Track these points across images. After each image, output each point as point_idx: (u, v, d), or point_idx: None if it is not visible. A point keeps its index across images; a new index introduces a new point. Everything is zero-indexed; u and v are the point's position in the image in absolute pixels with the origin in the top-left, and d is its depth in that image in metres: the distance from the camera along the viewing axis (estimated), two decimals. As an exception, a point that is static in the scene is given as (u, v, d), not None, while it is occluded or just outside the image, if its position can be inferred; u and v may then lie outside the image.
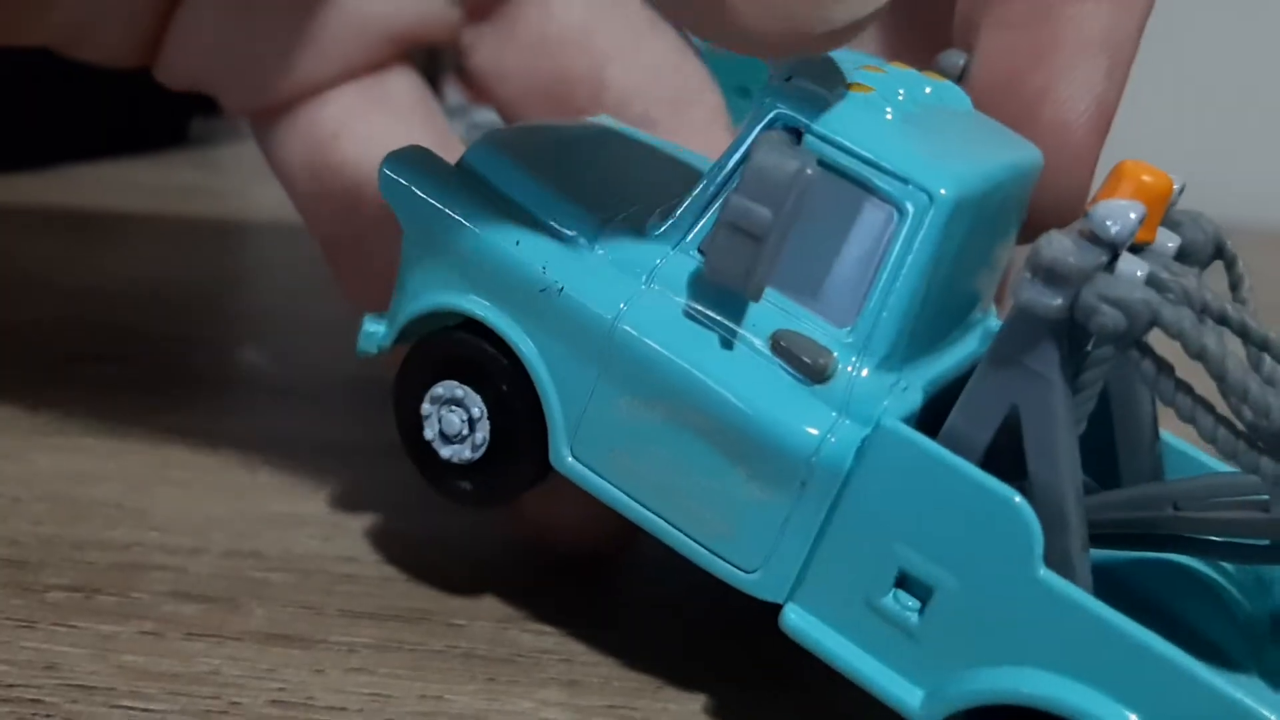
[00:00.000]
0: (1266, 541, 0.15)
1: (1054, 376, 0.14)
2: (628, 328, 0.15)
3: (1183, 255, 0.16)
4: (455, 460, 0.17)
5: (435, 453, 0.17)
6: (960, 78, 0.17)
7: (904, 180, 0.14)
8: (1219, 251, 0.16)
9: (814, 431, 0.14)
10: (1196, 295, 0.14)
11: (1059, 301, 0.13)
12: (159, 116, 0.45)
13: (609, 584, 0.19)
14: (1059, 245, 0.13)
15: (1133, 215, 0.14)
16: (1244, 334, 0.14)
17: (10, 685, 0.16)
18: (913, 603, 0.14)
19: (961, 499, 0.14)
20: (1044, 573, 0.14)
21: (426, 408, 0.17)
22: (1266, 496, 0.15)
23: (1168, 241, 0.15)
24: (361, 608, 0.18)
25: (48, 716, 0.15)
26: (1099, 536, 0.15)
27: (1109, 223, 0.14)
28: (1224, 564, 0.17)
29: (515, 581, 0.19)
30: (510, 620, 0.18)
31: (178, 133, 0.45)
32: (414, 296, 0.17)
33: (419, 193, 0.17)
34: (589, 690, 0.16)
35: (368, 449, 0.23)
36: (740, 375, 0.15)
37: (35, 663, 0.16)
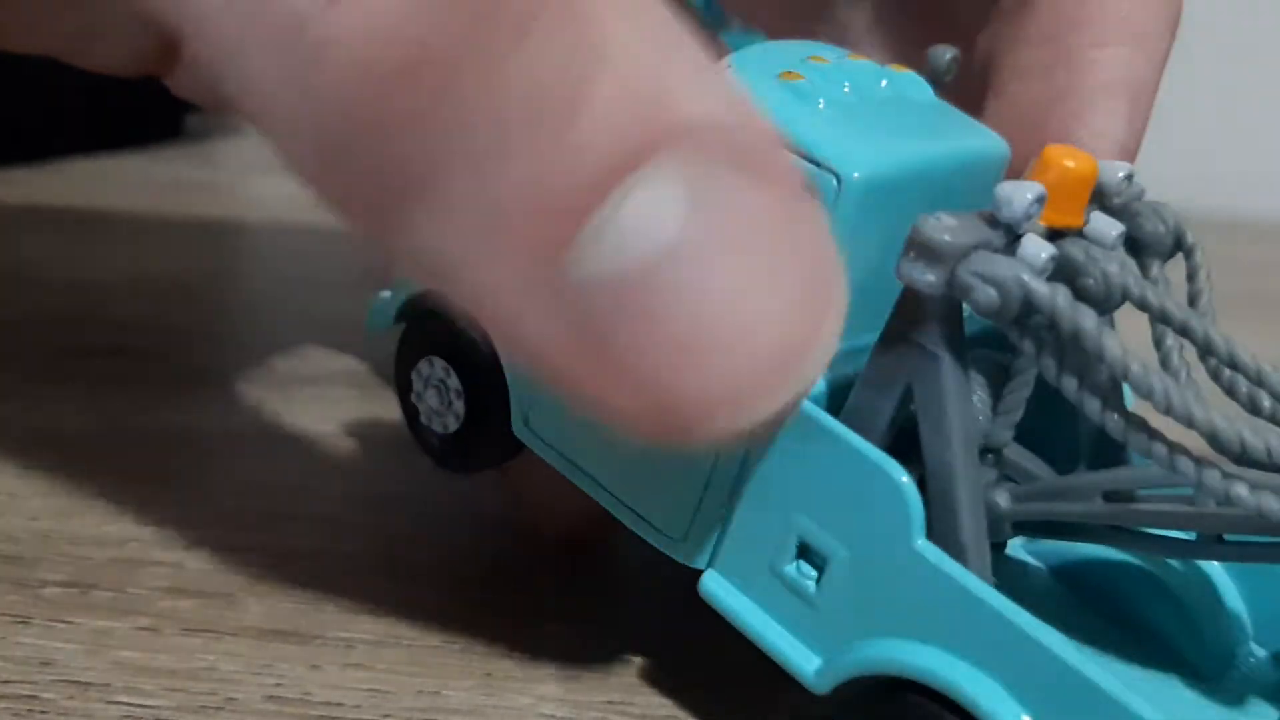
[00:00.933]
0: (1193, 535, 0.15)
1: (942, 353, 0.14)
2: None
3: (1141, 246, 0.16)
4: (439, 430, 0.18)
5: (425, 424, 0.18)
6: (946, 72, 0.17)
7: (814, 162, 0.15)
8: (1179, 242, 0.16)
9: None
10: (1117, 279, 0.14)
11: (933, 278, 0.14)
12: (154, 112, 0.45)
13: (606, 580, 0.19)
14: (935, 224, 0.14)
15: (1029, 196, 0.14)
16: (1163, 318, 0.15)
17: (6, 681, 0.16)
18: (811, 571, 0.15)
19: (850, 471, 0.14)
20: (922, 544, 0.14)
21: (415, 382, 0.18)
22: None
23: (1110, 230, 0.15)
24: (358, 603, 0.18)
25: (43, 713, 0.15)
26: (1032, 525, 0.16)
27: (1004, 203, 0.14)
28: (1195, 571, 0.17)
29: (513, 578, 0.19)
30: (508, 616, 0.18)
31: (172, 128, 0.45)
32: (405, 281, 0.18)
33: None
34: (586, 686, 0.16)
35: (365, 444, 0.23)
36: None
37: (31, 659, 0.16)
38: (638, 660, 0.17)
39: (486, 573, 0.19)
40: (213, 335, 0.28)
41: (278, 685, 0.16)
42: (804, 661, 0.15)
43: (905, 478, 0.14)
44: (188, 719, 0.15)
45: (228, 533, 0.19)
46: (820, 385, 0.15)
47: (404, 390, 0.18)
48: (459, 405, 0.17)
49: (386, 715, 0.16)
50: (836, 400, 0.15)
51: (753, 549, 0.15)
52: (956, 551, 0.14)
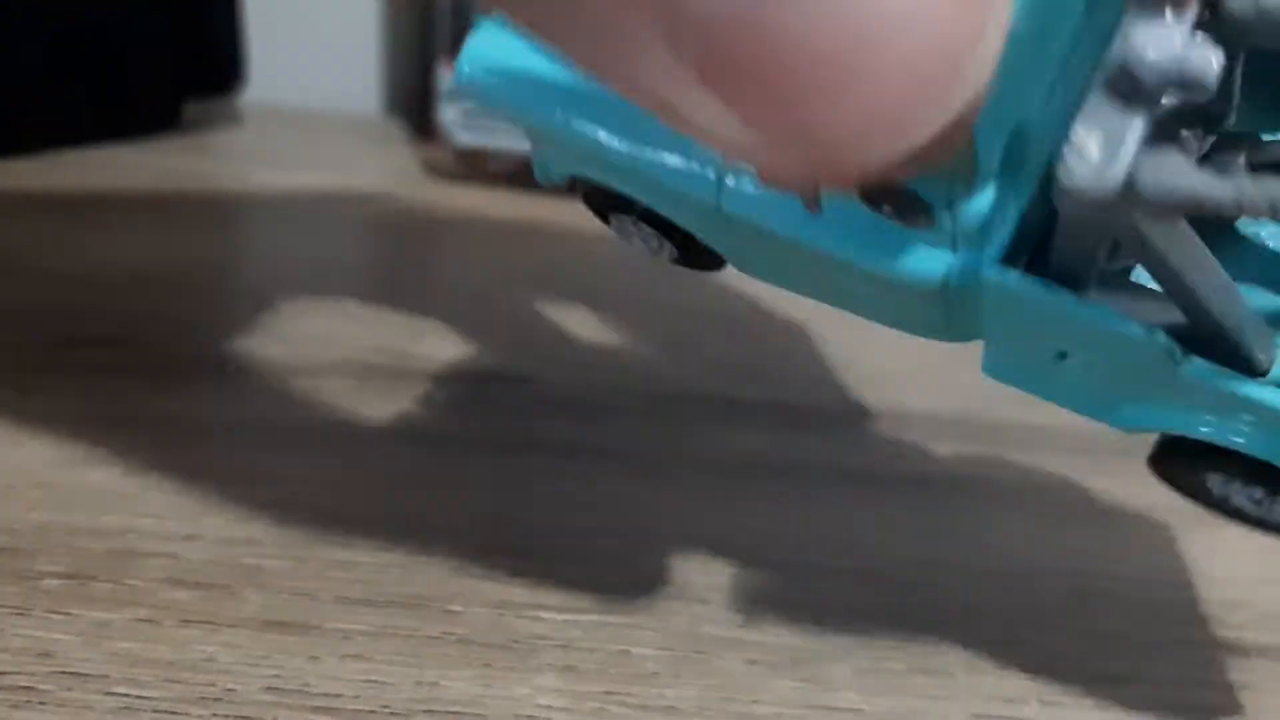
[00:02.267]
0: None
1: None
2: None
3: None
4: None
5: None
6: None
7: None
8: None
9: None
10: None
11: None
12: (152, 102, 0.44)
13: (605, 571, 0.19)
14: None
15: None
16: None
17: (4, 673, 0.15)
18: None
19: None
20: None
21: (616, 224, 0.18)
22: None
23: None
24: (357, 594, 0.18)
25: (41, 704, 0.15)
26: None
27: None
28: None
29: (510, 568, 0.19)
30: (505, 607, 0.18)
31: (171, 118, 0.45)
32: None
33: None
34: (585, 676, 0.16)
35: (363, 434, 0.23)
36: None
37: (29, 650, 0.16)
38: (635, 651, 0.17)
39: (485, 563, 0.19)
40: (211, 326, 0.28)
41: (276, 676, 0.16)
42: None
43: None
44: (187, 710, 0.15)
45: (226, 524, 0.19)
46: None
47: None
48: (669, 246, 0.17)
49: (385, 705, 0.16)
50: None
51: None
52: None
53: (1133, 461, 0.25)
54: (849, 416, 0.26)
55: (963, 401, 0.27)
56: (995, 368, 0.16)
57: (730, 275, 0.18)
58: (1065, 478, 0.24)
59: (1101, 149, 0.11)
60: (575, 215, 0.19)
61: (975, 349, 0.16)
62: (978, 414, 0.26)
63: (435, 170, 0.42)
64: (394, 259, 0.35)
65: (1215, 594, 0.20)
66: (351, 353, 0.27)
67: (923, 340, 0.16)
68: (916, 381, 0.28)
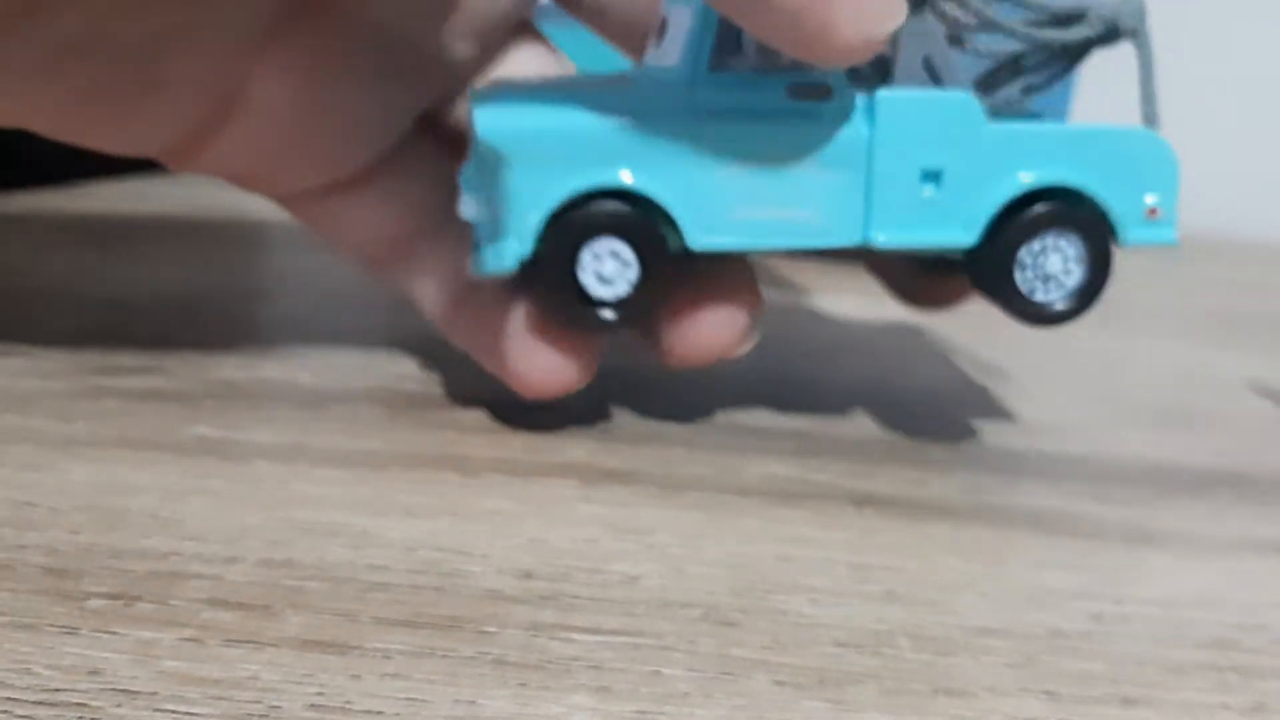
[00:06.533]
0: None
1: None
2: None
3: None
4: (608, 298, 0.23)
5: (589, 294, 0.23)
6: None
7: None
8: None
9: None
10: None
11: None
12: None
13: (634, 593, 0.20)
14: None
15: None
16: None
17: (55, 690, 0.16)
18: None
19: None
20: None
21: (585, 259, 0.22)
22: None
23: None
24: (394, 615, 0.18)
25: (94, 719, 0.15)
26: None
27: None
28: None
29: (542, 591, 0.19)
30: (539, 628, 0.18)
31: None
32: (541, 194, 0.22)
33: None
34: (618, 696, 0.17)
35: (396, 458, 0.23)
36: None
37: (79, 668, 0.16)
38: (666, 672, 0.17)
39: (518, 586, 0.19)
40: (244, 353, 0.29)
41: (319, 694, 0.16)
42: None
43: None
44: (232, 727, 0.16)
45: (265, 546, 0.20)
46: None
47: (565, 269, 0.22)
48: (631, 272, 0.23)
49: (424, 724, 0.16)
50: None
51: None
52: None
53: (1149, 487, 0.26)
54: (869, 442, 0.26)
55: (980, 430, 0.27)
56: None
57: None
58: (1082, 503, 0.24)
59: None
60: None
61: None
62: (995, 442, 0.27)
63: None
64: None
65: (1233, 617, 0.20)
66: (383, 380, 0.28)
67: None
68: (935, 409, 0.29)
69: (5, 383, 0.26)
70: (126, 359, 0.28)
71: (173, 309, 0.31)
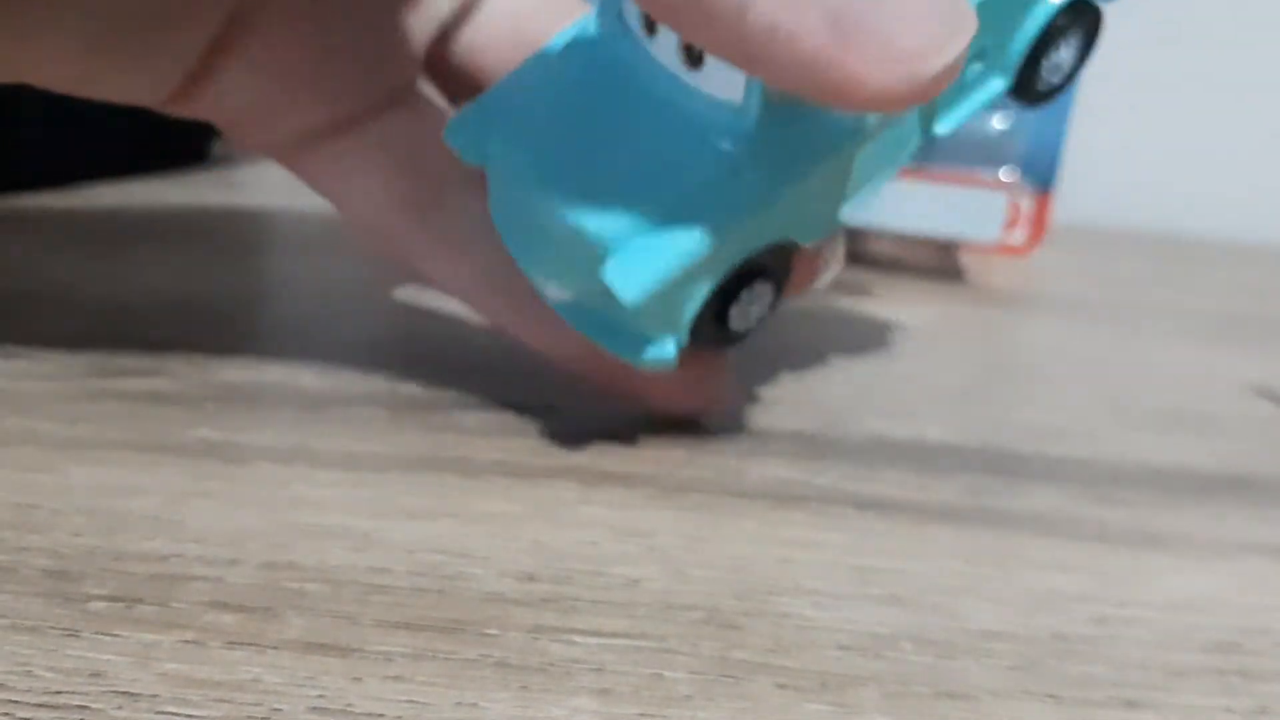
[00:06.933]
0: None
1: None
2: None
3: None
4: (743, 329, 0.22)
5: (729, 329, 0.22)
6: None
7: None
8: None
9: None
10: None
11: None
12: (181, 139, 0.45)
13: (635, 596, 0.19)
14: None
15: None
16: None
17: (58, 692, 0.16)
18: None
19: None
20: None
21: (733, 313, 0.22)
22: None
23: None
24: (396, 618, 0.18)
25: (95, 722, 0.15)
26: None
27: None
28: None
29: (543, 593, 0.19)
30: (540, 631, 0.18)
31: (199, 154, 0.46)
32: (685, 308, 0.21)
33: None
34: (620, 699, 0.17)
35: (397, 460, 0.23)
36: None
37: (81, 670, 0.16)
38: (668, 675, 0.17)
39: (518, 588, 0.19)
40: (244, 355, 0.29)
41: (321, 696, 0.16)
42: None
43: None
44: (234, 729, 0.16)
45: (266, 548, 0.20)
46: None
47: (719, 313, 0.22)
48: (766, 299, 0.22)
49: (426, 726, 0.16)
50: None
51: None
52: None
53: (1152, 491, 0.25)
54: (871, 445, 0.26)
55: (983, 433, 0.27)
56: None
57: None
58: (1085, 506, 0.24)
59: None
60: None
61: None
62: (998, 446, 0.27)
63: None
64: (424, 290, 0.36)
65: (1236, 620, 0.20)
66: (383, 382, 0.28)
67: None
68: (937, 413, 0.29)
69: (7, 384, 0.26)
70: (128, 361, 0.28)
71: (175, 311, 0.31)
